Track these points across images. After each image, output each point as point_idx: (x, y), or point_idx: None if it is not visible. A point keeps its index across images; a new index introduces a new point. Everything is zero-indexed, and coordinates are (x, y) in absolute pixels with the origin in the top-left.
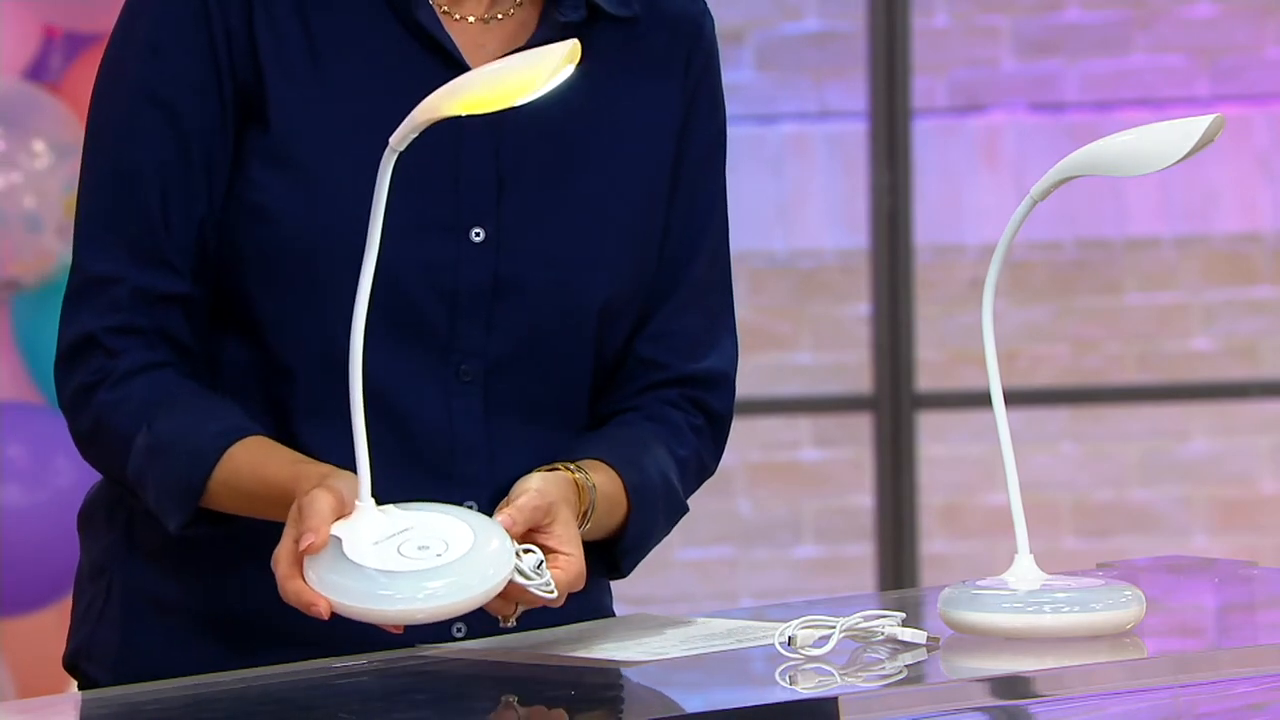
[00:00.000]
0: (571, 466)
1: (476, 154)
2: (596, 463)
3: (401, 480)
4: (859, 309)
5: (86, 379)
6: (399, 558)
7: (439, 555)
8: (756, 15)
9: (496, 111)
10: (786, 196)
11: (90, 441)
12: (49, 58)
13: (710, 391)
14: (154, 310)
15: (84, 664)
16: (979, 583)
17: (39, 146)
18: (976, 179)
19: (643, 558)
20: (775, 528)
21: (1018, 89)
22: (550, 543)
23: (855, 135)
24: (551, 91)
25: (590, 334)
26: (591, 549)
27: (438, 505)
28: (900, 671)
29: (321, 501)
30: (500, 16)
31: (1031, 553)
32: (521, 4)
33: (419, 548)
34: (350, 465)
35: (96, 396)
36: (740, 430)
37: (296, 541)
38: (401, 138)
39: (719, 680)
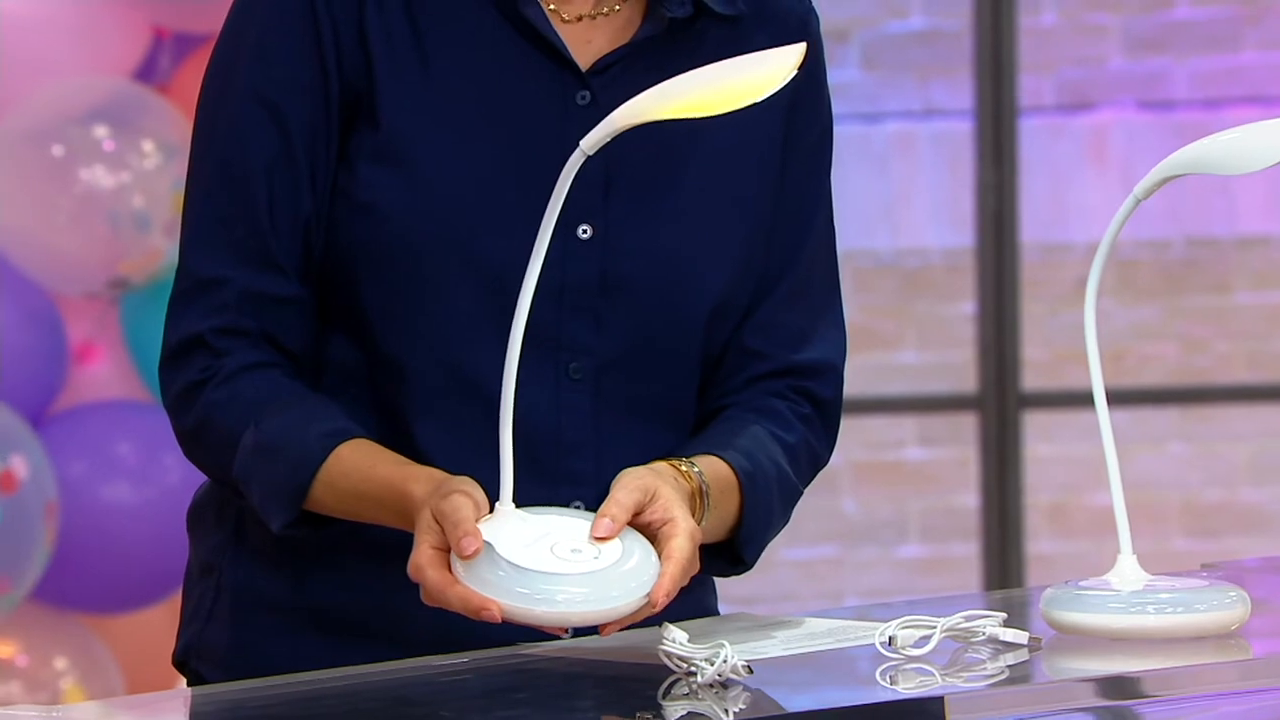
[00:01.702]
0: (674, 460)
1: None
2: (702, 455)
3: None
4: (964, 308)
5: (194, 377)
6: (557, 559)
7: (595, 558)
8: (862, 14)
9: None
10: (892, 195)
11: (196, 440)
12: (158, 59)
13: (815, 380)
14: (261, 312)
15: (194, 662)
16: (1081, 583)
17: (148, 146)
18: (1084, 178)
19: (764, 547)
20: (880, 527)
21: (1126, 87)
22: (655, 515)
23: (961, 134)
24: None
25: (700, 332)
26: (712, 547)
27: (566, 509)
28: (1002, 672)
29: (466, 507)
30: (606, 12)
31: (1138, 553)
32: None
33: (572, 550)
34: (463, 464)
35: (204, 394)
36: (845, 429)
37: (435, 548)
38: (595, 141)
39: (820, 680)
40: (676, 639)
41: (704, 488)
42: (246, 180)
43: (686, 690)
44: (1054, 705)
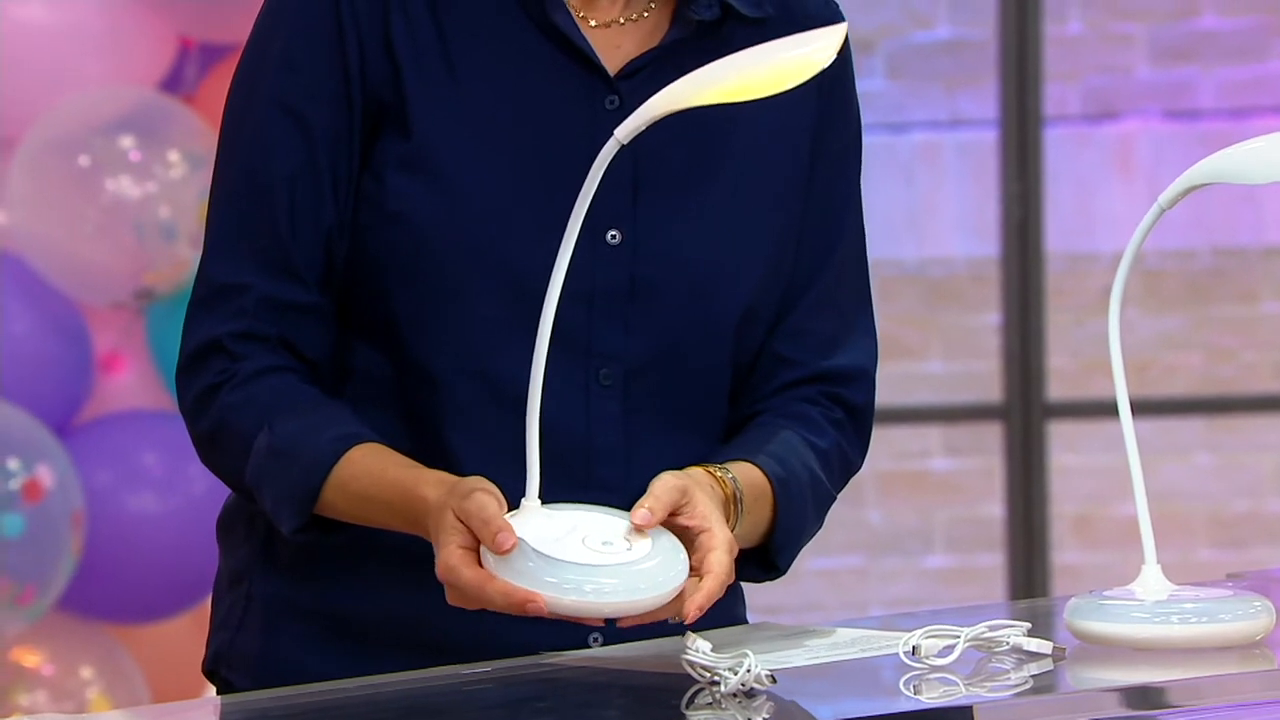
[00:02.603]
0: (708, 466)
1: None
2: (735, 461)
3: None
4: (989, 318)
5: (210, 380)
6: (589, 551)
7: (629, 550)
8: (887, 24)
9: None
10: (917, 205)
11: (211, 444)
12: (184, 69)
13: (846, 386)
14: (279, 318)
15: (224, 670)
16: (1106, 593)
17: (174, 156)
18: (1109, 187)
19: (798, 553)
20: (905, 537)
21: (1152, 96)
22: (693, 521)
23: (986, 143)
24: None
25: (730, 337)
26: (745, 553)
27: (588, 505)
28: (1026, 681)
29: (492, 504)
30: (634, 17)
31: (1163, 563)
32: (655, 4)
33: (603, 543)
34: (494, 470)
35: (220, 398)
36: (870, 439)
37: (463, 548)
38: (630, 130)
39: (844, 689)
40: (700, 648)
41: (738, 494)
42: (269, 188)
43: (710, 700)
44: (1078, 715)
